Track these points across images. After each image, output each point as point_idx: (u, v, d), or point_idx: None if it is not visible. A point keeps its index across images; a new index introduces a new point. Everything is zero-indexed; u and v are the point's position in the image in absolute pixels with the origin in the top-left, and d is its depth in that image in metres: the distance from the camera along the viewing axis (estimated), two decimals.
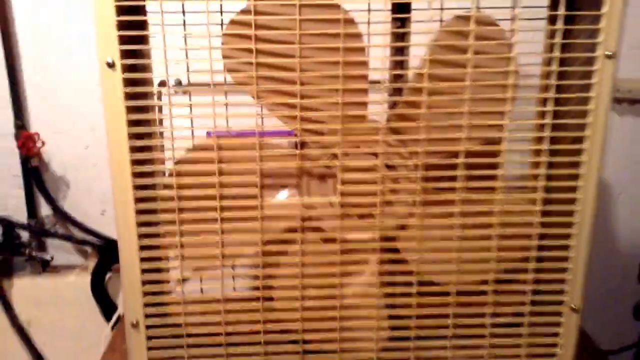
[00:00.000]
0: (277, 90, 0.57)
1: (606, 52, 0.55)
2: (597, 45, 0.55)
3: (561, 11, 0.56)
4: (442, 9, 0.61)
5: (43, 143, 1.03)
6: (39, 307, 1.08)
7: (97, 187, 1.09)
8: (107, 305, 1.06)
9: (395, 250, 0.63)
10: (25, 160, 1.04)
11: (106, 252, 1.07)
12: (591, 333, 1.21)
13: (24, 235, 1.09)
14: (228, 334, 0.63)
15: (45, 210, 1.09)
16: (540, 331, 0.64)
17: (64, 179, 1.08)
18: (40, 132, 1.03)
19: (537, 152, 0.60)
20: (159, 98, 0.59)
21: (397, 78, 0.64)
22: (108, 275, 1.07)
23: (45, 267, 1.10)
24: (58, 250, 1.11)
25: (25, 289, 1.08)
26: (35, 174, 1.04)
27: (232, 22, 0.55)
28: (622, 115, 1.11)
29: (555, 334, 0.64)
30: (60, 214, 1.07)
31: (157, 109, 0.59)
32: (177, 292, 0.62)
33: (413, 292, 0.62)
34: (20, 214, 1.08)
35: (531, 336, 0.64)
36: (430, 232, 0.61)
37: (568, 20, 0.57)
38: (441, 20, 0.61)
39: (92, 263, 1.07)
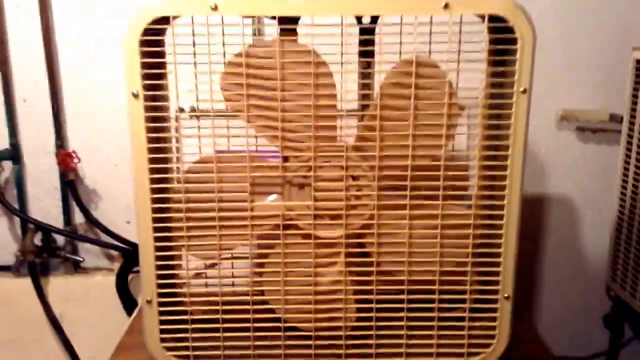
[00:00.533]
0: (264, 116, 0.72)
1: (521, 88, 0.70)
2: (514, 83, 0.70)
3: (484, 55, 0.71)
4: (400, 52, 0.77)
5: (79, 160, 1.20)
6: (70, 303, 1.24)
7: (123, 200, 1.25)
8: (129, 302, 1.22)
9: (361, 245, 0.77)
10: (63, 175, 1.22)
11: (130, 256, 1.22)
12: (564, 341, 1.34)
13: (60, 239, 1.25)
14: (224, 312, 0.78)
15: (78, 218, 1.26)
16: (481, 316, 0.78)
17: (95, 192, 1.25)
18: (77, 150, 1.20)
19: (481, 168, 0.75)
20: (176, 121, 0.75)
21: (363, 107, 0.79)
22: (130, 276, 1.23)
23: (76, 268, 1.26)
24: (88, 254, 1.27)
25: (59, 286, 1.24)
26: (71, 187, 1.21)
27: (229, 63, 0.71)
28: (585, 142, 1.24)
29: (493, 319, 0.77)
30: (92, 222, 1.24)
31: (172, 131, 0.76)
32: (183, 275, 0.78)
33: (374, 281, 0.77)
34: (57, 222, 1.25)
35: (472, 320, 0.78)
36: (387, 230, 0.75)
37: (499, 63, 0.72)
38: (400, 53, 0.76)
39: (117, 265, 1.23)
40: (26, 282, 1.23)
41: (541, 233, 1.29)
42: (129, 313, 1.21)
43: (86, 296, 1.24)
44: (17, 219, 1.25)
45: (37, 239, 1.23)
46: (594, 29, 1.17)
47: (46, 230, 1.22)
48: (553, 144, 1.24)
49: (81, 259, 1.25)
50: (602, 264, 1.27)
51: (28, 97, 1.20)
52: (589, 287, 1.32)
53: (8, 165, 1.21)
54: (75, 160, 1.19)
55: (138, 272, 1.21)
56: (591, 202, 1.27)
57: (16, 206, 1.22)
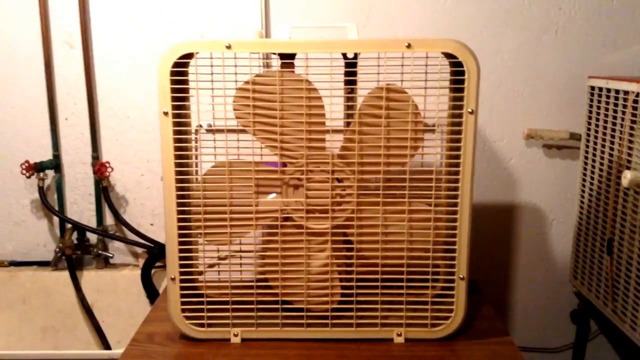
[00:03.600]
0: (267, 131, 0.91)
1: (468, 110, 0.88)
2: (463, 105, 0.88)
3: (444, 84, 0.90)
4: (378, 80, 0.96)
5: (112, 169, 1.39)
6: (100, 293, 1.42)
7: (149, 205, 1.43)
8: (152, 293, 1.39)
9: (345, 235, 0.95)
10: (97, 182, 1.41)
11: (153, 253, 1.40)
12: (535, 335, 1.50)
13: (93, 238, 1.44)
14: (234, 294, 0.96)
15: (109, 220, 1.45)
16: (441, 293, 0.96)
17: (124, 197, 1.43)
18: (110, 161, 1.40)
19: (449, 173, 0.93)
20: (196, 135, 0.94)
21: (347, 124, 0.98)
22: (153, 271, 1.41)
23: (107, 263, 1.44)
24: (117, 251, 1.46)
25: (91, 279, 1.41)
26: (104, 193, 1.40)
27: (239, 89, 0.90)
28: (551, 157, 1.41)
29: (452, 296, 0.95)
30: (121, 223, 1.42)
31: (193, 142, 0.95)
32: (200, 265, 0.96)
33: (354, 263, 0.94)
34: (90, 223, 1.44)
35: (435, 297, 0.95)
36: (366, 223, 0.94)
37: (458, 90, 0.90)
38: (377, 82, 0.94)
39: (142, 261, 1.41)
40: (62, 275, 1.41)
41: (513, 238, 1.46)
42: (152, 302, 1.39)
43: (115, 288, 1.42)
44: (56, 221, 1.44)
45: (74, 238, 1.42)
46: (556, 60, 1.35)
47: (82, 229, 1.41)
48: (523, 160, 1.41)
49: (111, 255, 1.43)
50: (568, 264, 1.43)
51: (69, 116, 1.39)
52: (556, 285, 1.47)
53: (50, 174, 1.41)
54: (109, 170, 1.38)
55: (160, 267, 1.41)
56: (557, 210, 1.43)
57: (56, 209, 1.41)
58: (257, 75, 0.90)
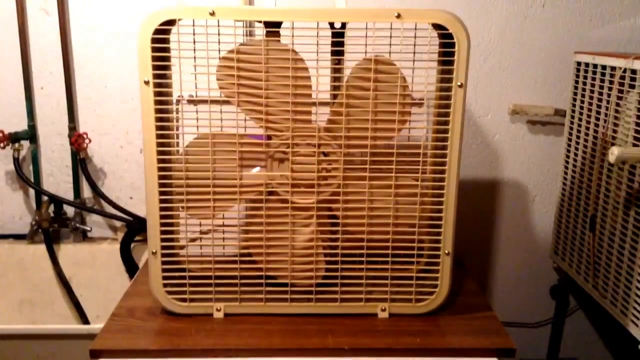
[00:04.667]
0: (251, 102, 0.89)
1: (458, 83, 0.87)
2: (452, 79, 0.87)
3: (433, 57, 0.88)
4: (365, 52, 0.93)
5: (90, 141, 1.35)
6: (78, 267, 1.39)
7: (128, 177, 1.40)
8: (131, 267, 1.37)
9: (330, 210, 0.94)
10: (74, 154, 1.37)
11: (133, 227, 1.38)
12: (515, 309, 1.51)
13: (70, 211, 1.41)
14: (216, 269, 0.94)
15: (87, 193, 1.42)
16: (426, 268, 0.95)
17: (102, 170, 1.40)
18: (88, 132, 1.36)
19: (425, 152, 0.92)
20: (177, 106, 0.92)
21: (333, 96, 0.96)
22: (132, 244, 1.39)
23: (84, 236, 1.42)
24: (95, 225, 1.43)
25: (69, 253, 1.39)
26: (82, 165, 1.36)
27: (223, 58, 0.87)
28: (535, 133, 1.41)
29: (436, 271, 0.94)
30: (99, 196, 1.39)
31: (175, 113, 0.92)
32: (182, 239, 0.94)
33: (339, 238, 0.93)
34: (68, 196, 1.40)
35: (420, 272, 0.95)
36: (352, 197, 0.92)
37: (447, 63, 0.89)
38: (365, 53, 0.92)
39: (120, 235, 1.38)
40: (39, 249, 1.38)
41: (496, 213, 1.46)
42: (131, 277, 1.37)
43: (93, 262, 1.39)
44: (32, 194, 1.40)
45: (50, 211, 1.39)
46: (542, 35, 1.34)
47: (59, 202, 1.38)
48: (507, 135, 1.40)
49: (89, 229, 1.40)
50: (549, 240, 1.44)
51: (45, 85, 1.35)
52: (537, 261, 1.48)
53: (26, 144, 1.36)
54: (87, 141, 1.34)
55: (139, 241, 1.38)
56: (540, 185, 1.44)
57: (32, 181, 1.37)
58: (242, 45, 0.87)
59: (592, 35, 1.34)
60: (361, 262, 0.94)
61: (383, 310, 0.96)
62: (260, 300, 0.95)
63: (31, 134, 1.35)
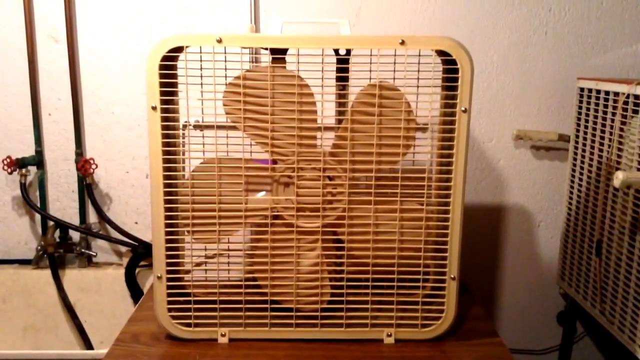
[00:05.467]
0: (257, 127, 0.89)
1: (462, 108, 0.87)
2: (456, 104, 0.87)
3: (437, 82, 0.89)
4: (370, 78, 0.94)
5: (96, 166, 1.36)
6: (83, 292, 1.39)
7: (133, 203, 1.41)
8: (136, 292, 1.37)
9: (335, 234, 0.94)
10: (81, 179, 1.38)
11: (138, 252, 1.38)
12: (522, 336, 1.50)
13: (76, 236, 1.41)
14: (221, 294, 0.94)
15: (92, 218, 1.42)
16: (432, 293, 0.95)
17: (108, 195, 1.41)
18: (94, 158, 1.37)
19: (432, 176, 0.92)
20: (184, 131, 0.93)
21: (338, 121, 0.97)
22: (137, 270, 1.39)
23: (90, 262, 1.42)
24: (100, 250, 1.43)
25: (73, 278, 1.38)
26: (88, 190, 1.37)
27: (229, 84, 0.88)
28: (539, 159, 1.41)
29: (442, 296, 0.94)
30: (105, 221, 1.40)
31: (181, 138, 0.93)
32: (187, 264, 0.94)
33: (345, 263, 0.93)
34: (74, 221, 1.41)
35: (425, 297, 0.95)
36: (357, 222, 0.92)
37: (450, 88, 0.89)
38: (370, 79, 0.93)
39: (126, 260, 1.38)
40: (44, 274, 1.38)
41: (501, 239, 1.45)
42: (136, 302, 1.36)
43: (98, 287, 1.39)
44: (37, 219, 1.41)
45: (56, 236, 1.39)
46: (545, 62, 1.35)
47: (64, 227, 1.38)
48: (511, 161, 1.41)
49: (94, 254, 1.40)
50: (555, 266, 1.43)
51: (52, 112, 1.36)
52: (544, 287, 1.47)
53: (33, 170, 1.37)
54: (93, 167, 1.35)
55: (145, 266, 1.38)
56: (544, 211, 1.44)
57: (38, 206, 1.38)
58: (248, 71, 0.88)
59: (594, 62, 1.35)
60: (367, 287, 0.93)
61: (389, 335, 0.95)
62: (265, 326, 0.94)
63: (38, 159, 1.37)
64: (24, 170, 1.34)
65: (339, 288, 0.94)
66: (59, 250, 1.39)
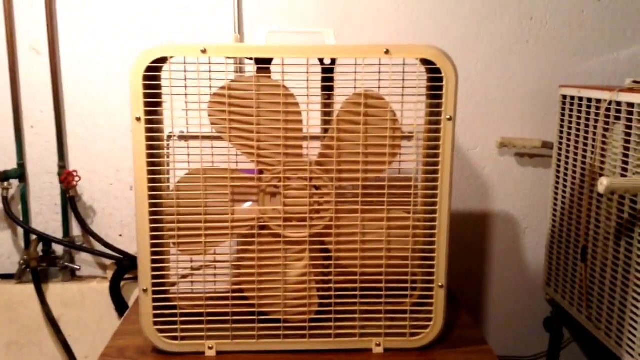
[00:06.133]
0: (243, 137, 0.89)
1: (447, 116, 0.88)
2: (441, 112, 0.88)
3: (421, 91, 0.89)
4: (355, 87, 0.94)
5: (79, 179, 1.35)
6: (67, 307, 1.36)
7: (117, 215, 1.39)
8: (121, 306, 1.35)
9: (322, 244, 0.94)
10: (64, 192, 1.36)
11: (122, 265, 1.36)
12: (508, 343, 1.50)
13: (59, 249, 1.39)
14: (208, 306, 0.93)
15: (76, 231, 1.40)
16: (420, 302, 0.95)
17: (92, 207, 1.39)
18: (77, 170, 1.35)
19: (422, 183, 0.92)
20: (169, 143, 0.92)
21: (324, 131, 0.97)
22: (122, 283, 1.37)
23: (73, 276, 1.40)
24: (84, 263, 1.41)
25: (57, 292, 1.36)
26: (71, 203, 1.35)
27: (214, 95, 0.88)
28: (523, 166, 1.42)
29: (430, 304, 0.94)
30: (89, 234, 1.38)
31: (166, 149, 0.92)
32: (172, 276, 0.93)
33: (332, 272, 0.93)
34: (57, 234, 1.39)
35: (413, 305, 0.94)
36: (344, 231, 0.92)
37: (435, 97, 0.90)
38: (354, 88, 0.93)
39: (110, 273, 1.37)
40: (27, 288, 1.35)
41: (487, 246, 1.46)
42: (121, 316, 1.35)
43: (82, 301, 1.37)
44: (20, 233, 1.38)
45: (39, 250, 1.37)
46: (528, 70, 1.36)
47: (47, 240, 1.36)
48: (496, 168, 1.42)
49: (78, 267, 1.38)
50: (541, 272, 1.44)
51: (35, 124, 1.34)
52: (529, 293, 1.48)
53: (15, 183, 1.35)
54: (77, 179, 1.33)
55: (129, 279, 1.37)
56: (529, 217, 1.44)
57: (20, 219, 1.36)
58: (233, 81, 0.88)
59: (576, 69, 1.37)
60: (354, 297, 0.93)
61: (378, 345, 0.94)
62: (253, 337, 0.93)
63: (20, 172, 1.35)
64: (5, 184, 1.32)
65: (327, 298, 0.94)
66: (42, 264, 1.37)
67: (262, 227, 0.92)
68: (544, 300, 1.47)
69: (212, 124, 0.89)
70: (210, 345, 0.93)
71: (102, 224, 1.40)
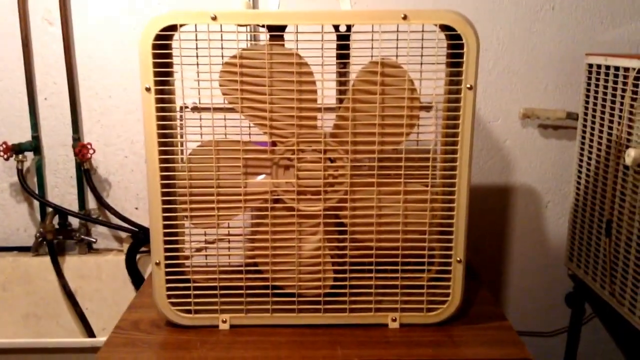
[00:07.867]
0: (255, 108, 0.87)
1: (467, 85, 0.84)
2: (462, 81, 0.84)
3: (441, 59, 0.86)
4: (371, 55, 0.91)
5: (94, 151, 1.34)
6: (83, 279, 1.38)
7: (133, 188, 1.39)
8: (137, 278, 1.35)
9: (337, 217, 0.92)
10: (79, 165, 1.36)
11: (138, 238, 1.36)
12: (530, 318, 1.48)
13: (75, 222, 1.39)
14: (222, 279, 0.92)
15: (92, 204, 1.40)
16: (438, 276, 0.92)
17: (107, 180, 1.39)
18: (92, 143, 1.34)
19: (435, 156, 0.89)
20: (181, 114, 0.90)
21: (339, 101, 0.94)
22: (138, 256, 1.37)
23: (90, 248, 1.40)
24: (100, 236, 1.41)
25: (74, 265, 1.37)
26: (86, 176, 1.35)
27: (226, 64, 0.85)
28: (547, 138, 1.38)
29: (448, 279, 0.91)
30: (104, 207, 1.38)
31: (178, 120, 0.90)
32: (186, 249, 0.92)
33: (347, 247, 0.91)
34: (72, 207, 1.39)
35: (432, 280, 0.92)
36: (360, 204, 0.90)
37: (455, 65, 0.86)
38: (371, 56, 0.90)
39: (126, 246, 1.37)
40: (44, 261, 1.36)
41: (508, 220, 1.43)
42: (137, 288, 1.35)
43: (98, 274, 1.37)
44: (36, 205, 1.39)
45: (55, 222, 1.37)
46: (552, 38, 1.31)
47: (63, 213, 1.36)
48: (518, 140, 1.38)
49: (94, 240, 1.39)
50: (563, 247, 1.41)
51: (48, 96, 1.34)
52: (552, 268, 1.45)
53: (30, 156, 1.35)
54: (91, 152, 1.32)
55: (145, 252, 1.36)
56: (552, 191, 1.41)
57: (36, 192, 1.36)
58: (245, 49, 0.85)
59: (603, 37, 1.31)
60: (370, 271, 0.91)
61: (394, 320, 0.93)
62: (267, 311, 0.92)
63: (35, 145, 1.34)
64: (20, 156, 1.32)
65: (342, 272, 0.92)
66: (59, 237, 1.37)
67: (275, 201, 0.90)
68: (565, 275, 1.44)
69: (224, 94, 0.87)
70: (224, 319, 0.92)
71: (117, 197, 1.39)
